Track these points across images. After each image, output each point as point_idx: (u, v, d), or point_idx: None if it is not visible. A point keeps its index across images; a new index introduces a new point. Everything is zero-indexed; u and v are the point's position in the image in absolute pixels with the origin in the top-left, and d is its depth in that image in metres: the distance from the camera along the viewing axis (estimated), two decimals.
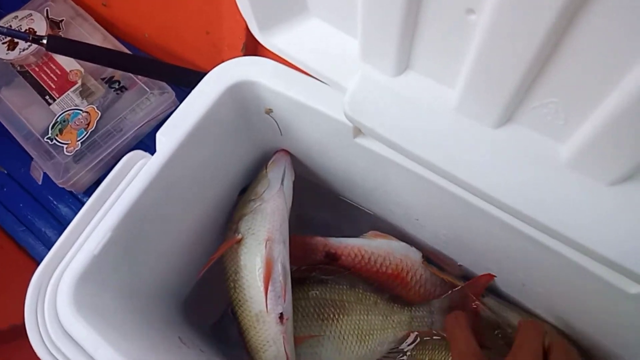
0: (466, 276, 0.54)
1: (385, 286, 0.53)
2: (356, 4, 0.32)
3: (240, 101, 0.44)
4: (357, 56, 0.37)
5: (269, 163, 0.52)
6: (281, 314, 0.46)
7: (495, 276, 0.52)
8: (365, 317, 0.51)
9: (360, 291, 0.52)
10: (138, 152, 0.41)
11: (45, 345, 0.36)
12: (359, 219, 0.58)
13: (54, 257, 0.38)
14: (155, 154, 0.41)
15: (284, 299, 0.46)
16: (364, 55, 0.36)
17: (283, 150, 0.54)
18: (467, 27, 0.29)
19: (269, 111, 0.47)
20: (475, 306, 0.51)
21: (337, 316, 0.50)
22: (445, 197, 0.42)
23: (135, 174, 0.40)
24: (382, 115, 0.37)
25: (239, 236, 0.49)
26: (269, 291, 0.46)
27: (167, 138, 0.41)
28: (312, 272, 0.53)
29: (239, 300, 0.48)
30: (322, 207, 0.60)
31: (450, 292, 0.53)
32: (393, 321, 0.51)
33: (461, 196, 0.40)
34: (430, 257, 0.54)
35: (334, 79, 0.38)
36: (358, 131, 0.42)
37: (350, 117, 0.37)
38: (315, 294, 0.51)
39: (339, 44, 0.38)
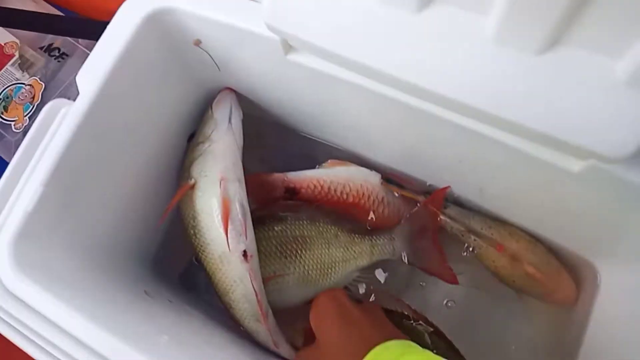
0: (429, 192, 0.53)
1: (348, 213, 0.51)
2: None
3: (163, 32, 0.41)
4: None
5: (214, 103, 0.50)
6: (244, 251, 0.45)
7: (449, 187, 0.51)
8: (327, 250, 0.50)
9: (321, 224, 0.51)
10: (60, 100, 0.39)
11: None
12: (316, 150, 0.56)
13: None
14: (77, 99, 0.38)
15: (245, 236, 0.45)
16: None
17: (227, 88, 0.51)
18: None
19: (197, 42, 0.44)
20: (440, 221, 0.50)
21: (299, 252, 0.49)
22: (397, 108, 0.39)
23: (59, 123, 0.38)
24: (307, 17, 0.33)
25: (192, 181, 0.47)
26: (229, 230, 0.45)
27: (88, 80, 0.38)
28: (273, 209, 0.51)
29: (201, 245, 0.47)
30: (280, 144, 0.58)
31: (408, 214, 0.51)
32: (354, 252, 0.51)
33: (414, 105, 0.37)
34: (390, 177, 0.53)
35: None
36: (288, 46, 0.39)
37: (272, 27, 0.34)
38: (276, 232, 0.50)
39: None
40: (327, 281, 0.50)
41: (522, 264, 0.49)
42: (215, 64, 0.47)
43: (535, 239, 0.50)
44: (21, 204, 0.36)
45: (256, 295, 0.46)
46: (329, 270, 0.50)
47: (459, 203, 0.52)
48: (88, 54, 0.72)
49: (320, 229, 0.51)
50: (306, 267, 0.50)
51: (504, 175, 0.43)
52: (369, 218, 0.52)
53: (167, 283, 0.52)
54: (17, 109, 0.72)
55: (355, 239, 0.51)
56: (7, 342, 0.35)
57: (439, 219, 0.50)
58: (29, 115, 0.72)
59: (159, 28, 0.41)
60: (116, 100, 0.40)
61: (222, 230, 0.45)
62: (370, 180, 0.52)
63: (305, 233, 0.50)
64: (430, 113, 0.38)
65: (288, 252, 0.50)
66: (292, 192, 0.51)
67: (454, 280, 0.50)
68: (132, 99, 0.42)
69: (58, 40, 0.76)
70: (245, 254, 0.45)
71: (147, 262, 0.53)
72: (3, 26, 0.72)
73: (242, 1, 0.39)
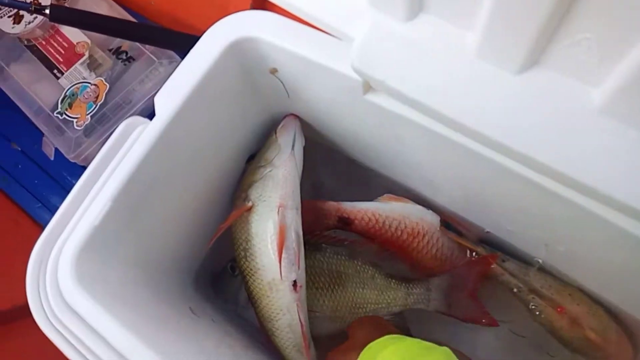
0: (487, 241, 0.51)
1: (400, 251, 0.50)
2: None
3: (242, 60, 0.41)
4: (365, 1, 0.33)
5: (279, 128, 0.50)
6: (294, 281, 0.45)
7: (498, 255, 0.49)
8: (361, 290, 0.49)
9: (359, 263, 0.50)
10: (137, 119, 0.39)
11: (49, 319, 0.35)
12: (373, 183, 0.56)
13: (54, 230, 0.37)
14: (154, 119, 0.39)
15: (297, 266, 0.45)
16: None
17: (292, 114, 0.51)
18: None
19: (273, 71, 0.44)
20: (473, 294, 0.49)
21: (332, 287, 0.49)
22: (462, 154, 0.38)
23: (134, 141, 0.38)
24: (394, 66, 0.33)
25: (250, 204, 0.47)
26: (283, 258, 0.44)
27: (166, 101, 0.39)
28: (316, 238, 0.51)
29: (251, 269, 0.47)
30: (335, 171, 0.58)
31: (450, 270, 0.50)
32: (389, 297, 0.50)
33: (480, 153, 0.37)
34: (449, 222, 0.52)
35: (340, 28, 0.35)
36: (368, 86, 0.39)
37: (359, 70, 0.34)
38: (313, 262, 0.49)
39: None
40: None
41: (582, 328, 0.47)
42: (286, 91, 0.46)
43: (595, 302, 0.48)
44: (88, 217, 0.37)
45: (302, 326, 0.45)
46: (360, 310, 0.49)
47: (519, 257, 0.50)
48: (153, 60, 0.75)
49: (358, 267, 0.50)
50: (337, 303, 0.49)
51: (571, 233, 0.41)
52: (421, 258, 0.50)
53: (210, 302, 0.52)
54: (80, 107, 0.74)
55: (392, 284, 0.50)
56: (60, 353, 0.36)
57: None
58: (91, 114, 0.73)
59: (239, 55, 0.41)
60: (189, 123, 0.40)
61: (275, 257, 0.44)
62: (427, 219, 0.51)
63: (342, 269, 0.50)
64: (508, 167, 0.37)
65: (321, 284, 0.49)
66: (345, 222, 0.50)
67: (493, 322, 0.48)
68: (204, 121, 0.42)
69: (126, 44, 0.77)
70: (295, 284, 0.45)
71: (192, 279, 0.53)
72: (77, 27, 0.74)
73: (324, 36, 0.39)
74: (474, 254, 0.51)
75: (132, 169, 0.37)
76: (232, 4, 0.69)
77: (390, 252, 0.51)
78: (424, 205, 0.52)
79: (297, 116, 0.51)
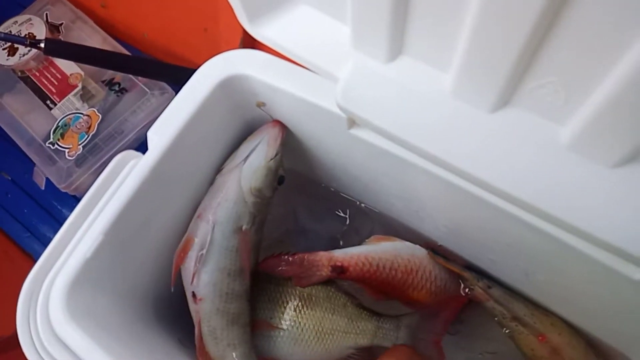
0: (472, 267, 0.52)
1: (396, 290, 0.50)
2: None
3: (232, 96, 0.43)
4: (349, 43, 0.36)
5: (251, 134, 0.48)
6: (193, 292, 0.44)
7: (466, 299, 0.50)
8: (330, 315, 0.48)
9: (332, 290, 0.50)
10: (129, 152, 0.40)
11: (39, 353, 0.35)
12: (358, 215, 0.57)
13: (45, 262, 0.38)
14: (147, 154, 0.40)
15: (191, 281, 0.43)
16: (355, 42, 0.35)
17: (275, 121, 0.48)
18: (458, 7, 0.27)
19: (261, 104, 0.45)
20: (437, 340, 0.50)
21: (300, 307, 0.48)
22: (443, 186, 0.40)
23: (126, 175, 0.39)
24: (376, 104, 0.35)
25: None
26: (184, 268, 0.44)
27: (159, 137, 0.40)
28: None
29: None
30: (319, 203, 0.59)
31: (420, 310, 0.50)
32: (357, 327, 0.49)
33: (459, 185, 0.38)
34: (435, 249, 0.53)
35: (325, 68, 0.37)
36: (352, 122, 0.41)
37: (344, 108, 0.36)
38: (284, 280, 0.49)
39: (330, 32, 0.36)
40: (320, 347, 0.48)
41: (562, 358, 0.47)
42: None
43: (575, 331, 0.49)
44: (80, 250, 0.37)
45: (199, 338, 0.44)
46: (326, 336, 0.48)
47: (500, 284, 0.52)
48: (146, 91, 0.77)
49: (330, 293, 0.50)
50: (303, 325, 0.48)
51: (553, 267, 0.42)
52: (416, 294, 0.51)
53: None
54: (72, 137, 0.75)
55: (363, 314, 0.50)
56: None
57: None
58: (83, 144, 0.74)
59: (230, 91, 0.43)
60: (180, 156, 0.41)
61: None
62: (417, 254, 0.51)
63: (313, 292, 0.49)
64: (486, 200, 0.38)
65: (289, 303, 0.49)
66: (339, 271, 0.49)
67: None
68: (194, 154, 0.43)
69: (118, 76, 0.79)
70: (194, 295, 0.44)
71: (180, 308, 0.54)
72: (71, 60, 0.75)
73: (310, 74, 0.41)
74: (466, 289, 0.52)
75: (124, 202, 0.38)
76: (223, 38, 0.71)
77: (385, 295, 0.51)
78: (409, 236, 0.53)
79: (279, 124, 0.47)
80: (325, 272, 0.48)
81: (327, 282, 0.50)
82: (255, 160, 0.45)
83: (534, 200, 0.31)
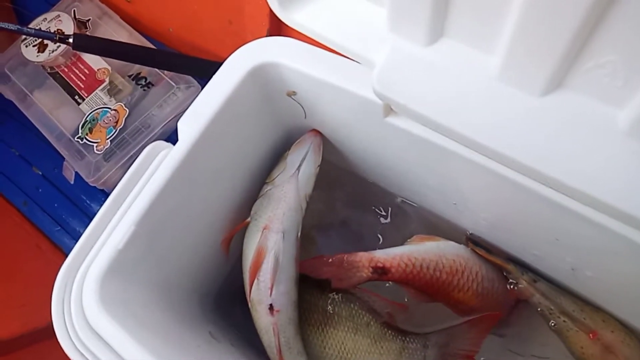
0: (515, 260, 0.50)
1: (440, 292, 0.48)
2: None
3: (263, 84, 0.42)
4: (386, 26, 0.34)
5: (294, 144, 0.49)
6: (271, 305, 0.44)
7: (501, 314, 0.48)
8: (352, 335, 0.47)
9: (355, 308, 0.48)
10: (160, 143, 0.40)
11: (74, 343, 0.35)
12: (394, 207, 0.55)
13: (78, 254, 0.37)
14: (177, 144, 0.39)
15: (270, 292, 0.44)
16: (393, 25, 0.33)
17: (314, 130, 0.50)
18: None
19: (291, 93, 0.44)
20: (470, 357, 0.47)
21: (323, 325, 0.47)
22: (486, 176, 0.38)
23: (157, 166, 0.39)
24: (416, 90, 0.34)
25: (248, 219, 0.47)
26: (258, 281, 0.44)
27: (189, 127, 0.39)
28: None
29: (245, 284, 0.46)
30: (354, 195, 0.57)
31: (448, 326, 0.48)
32: (381, 347, 0.47)
33: (505, 175, 0.36)
34: (476, 241, 0.50)
35: (361, 53, 0.35)
36: (389, 109, 0.39)
37: (380, 94, 0.35)
38: (310, 297, 0.48)
39: (365, 14, 0.35)
40: None
41: (616, 357, 0.45)
42: (304, 112, 0.47)
43: (629, 329, 0.46)
44: (112, 241, 0.37)
45: (279, 351, 0.44)
46: (350, 356, 0.47)
47: (545, 278, 0.49)
48: (172, 85, 0.77)
49: (353, 312, 0.48)
50: (326, 343, 0.47)
51: (601, 260, 0.40)
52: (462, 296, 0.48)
53: (230, 325, 0.51)
54: (100, 131, 0.75)
55: (387, 334, 0.48)
56: None
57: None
58: (110, 138, 0.75)
59: (260, 80, 0.42)
60: (211, 146, 0.41)
61: (248, 279, 0.44)
62: (462, 254, 0.48)
63: (336, 310, 0.48)
64: (532, 189, 0.36)
65: (312, 321, 0.47)
66: (381, 272, 0.47)
67: None
68: (224, 144, 0.42)
69: (145, 70, 0.79)
70: (271, 307, 0.44)
71: (212, 302, 0.53)
72: (98, 54, 0.76)
73: (342, 60, 0.40)
74: (511, 286, 0.50)
75: (156, 193, 0.38)
76: (248, 30, 0.70)
77: (429, 297, 0.49)
78: (445, 229, 0.51)
79: (318, 132, 0.49)
80: (366, 273, 0.47)
81: (350, 299, 0.49)
82: (307, 169, 0.47)
83: (589, 189, 0.29)
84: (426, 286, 0.47)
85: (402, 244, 0.49)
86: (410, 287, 0.47)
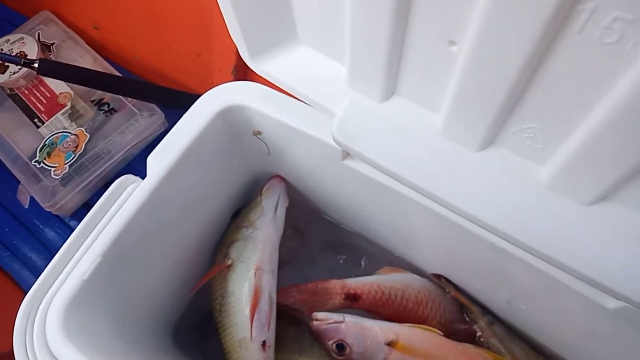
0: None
1: (407, 321, 0.50)
2: (344, 34, 0.34)
3: (231, 125, 0.45)
4: (345, 82, 0.38)
5: (264, 189, 0.53)
6: (264, 341, 0.47)
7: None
8: (297, 356, 0.50)
9: (299, 331, 0.51)
10: (129, 177, 0.42)
11: None
12: (353, 245, 0.59)
13: (43, 283, 0.38)
14: (146, 178, 0.41)
15: (267, 328, 0.47)
16: (351, 82, 0.37)
17: (278, 176, 0.54)
18: (449, 56, 0.30)
19: (257, 133, 0.47)
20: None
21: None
22: (431, 217, 0.42)
23: (125, 199, 0.40)
24: (370, 139, 0.38)
25: (229, 262, 0.49)
26: (254, 319, 0.46)
27: (158, 162, 0.41)
28: None
29: (224, 325, 0.48)
30: (316, 232, 0.60)
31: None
32: None
33: (447, 216, 0.41)
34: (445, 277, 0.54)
35: (322, 104, 0.39)
36: (346, 154, 0.43)
37: (339, 141, 0.38)
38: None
39: (328, 70, 0.39)
40: None
41: None
42: (268, 149, 0.50)
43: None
44: (78, 271, 0.38)
45: None
46: None
47: (484, 308, 0.54)
48: (135, 112, 0.78)
49: (297, 335, 0.51)
50: None
51: (533, 295, 0.45)
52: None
53: (188, 355, 0.53)
54: (59, 156, 0.75)
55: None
56: None
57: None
58: (69, 163, 0.74)
59: (228, 120, 0.45)
60: (178, 182, 0.43)
61: (248, 318, 0.46)
62: (427, 287, 0.52)
63: (282, 333, 0.50)
64: (469, 230, 0.41)
65: None
66: (352, 299, 0.50)
67: None
68: (192, 180, 0.45)
69: (108, 96, 0.80)
70: (264, 343, 0.47)
71: (171, 332, 0.54)
72: (63, 80, 0.76)
73: (304, 106, 0.44)
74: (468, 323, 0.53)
75: (123, 225, 0.39)
76: (215, 64, 0.73)
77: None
78: (397, 264, 0.55)
79: (282, 178, 0.54)
80: (338, 299, 0.50)
81: (294, 323, 0.51)
82: (281, 211, 0.52)
83: (515, 233, 0.34)
84: (394, 314, 0.50)
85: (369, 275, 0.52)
86: (379, 314, 0.50)
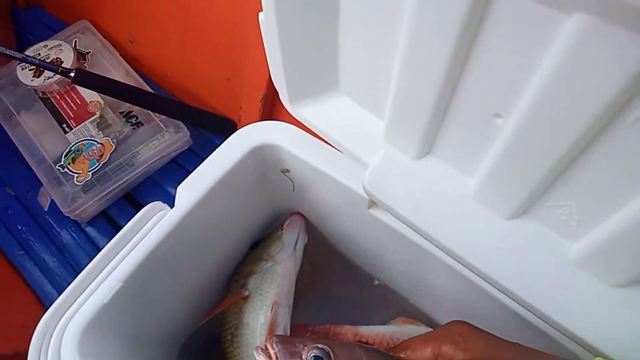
0: None
1: None
2: (387, 91, 0.34)
3: (261, 161, 0.46)
4: (381, 136, 0.39)
5: (285, 224, 0.53)
6: None
7: None
8: None
9: None
10: (157, 204, 0.42)
11: None
12: (368, 287, 0.58)
13: (64, 302, 0.38)
14: (174, 208, 0.42)
15: None
16: (388, 137, 0.38)
17: (298, 213, 0.55)
18: (493, 128, 0.31)
19: (285, 171, 0.48)
20: None
21: None
22: (449, 274, 0.42)
23: (152, 226, 0.41)
24: (401, 194, 0.38)
25: (246, 293, 0.49)
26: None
27: (188, 193, 0.42)
28: None
29: (235, 355, 0.48)
30: (328, 266, 0.60)
31: None
32: None
33: (465, 275, 0.41)
34: None
35: (356, 153, 0.40)
36: (372, 203, 0.43)
37: (369, 192, 0.39)
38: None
39: (364, 122, 0.39)
40: None
41: None
42: (293, 186, 0.50)
43: None
44: (98, 294, 0.39)
45: None
46: None
47: None
48: (161, 127, 0.79)
49: None
50: None
51: None
52: None
53: None
54: (84, 163, 0.76)
55: None
56: None
57: None
58: (92, 171, 0.75)
59: (258, 158, 0.45)
60: (204, 213, 0.43)
61: None
62: None
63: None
64: (488, 293, 0.41)
65: None
66: None
67: None
68: (217, 212, 0.45)
69: (136, 109, 0.81)
70: None
71: (177, 353, 0.54)
72: (96, 90, 0.78)
73: (335, 152, 0.44)
74: None
75: (148, 252, 0.40)
76: (245, 91, 0.74)
77: None
78: (409, 309, 0.55)
79: (302, 215, 0.54)
80: None
81: None
82: (300, 247, 0.52)
83: (537, 304, 0.34)
84: None
85: (382, 323, 0.51)
86: None
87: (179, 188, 0.42)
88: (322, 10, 0.33)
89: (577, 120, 0.25)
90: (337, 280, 0.60)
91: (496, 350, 0.30)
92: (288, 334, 0.48)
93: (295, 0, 0.32)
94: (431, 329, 0.52)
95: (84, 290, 0.39)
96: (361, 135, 0.39)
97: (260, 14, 0.35)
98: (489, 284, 0.37)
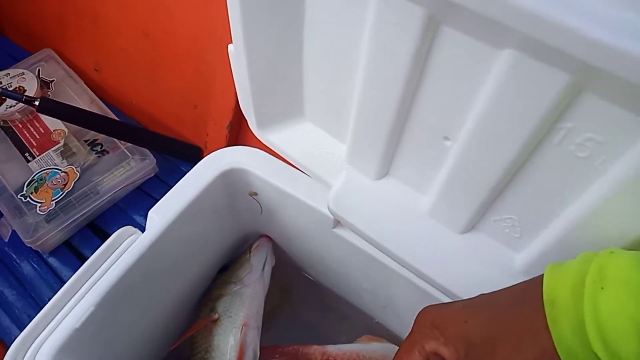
0: None
1: None
2: (348, 118, 0.37)
3: (230, 185, 0.48)
4: (344, 158, 0.42)
5: (253, 247, 0.55)
6: None
7: None
8: None
9: None
10: (129, 228, 0.43)
11: None
12: (333, 306, 0.60)
13: (33, 330, 0.39)
14: (146, 232, 0.43)
15: None
16: (350, 159, 0.41)
17: (266, 236, 0.57)
18: (443, 149, 0.34)
19: (253, 194, 0.50)
20: None
21: None
22: (409, 288, 0.45)
23: (124, 249, 0.42)
24: (362, 213, 0.41)
25: (216, 316, 0.50)
26: None
27: (159, 217, 0.43)
28: None
29: None
30: (293, 287, 0.62)
31: None
32: None
33: (424, 288, 0.43)
34: None
35: (320, 175, 0.42)
36: (337, 222, 0.46)
37: (334, 212, 0.41)
38: None
39: (328, 146, 0.42)
40: None
41: None
42: (261, 208, 0.52)
43: None
44: (70, 319, 0.39)
45: None
46: None
47: None
48: (127, 155, 0.80)
49: None
50: None
51: None
52: None
53: None
54: (47, 192, 0.76)
55: None
56: None
57: None
58: (56, 200, 0.75)
59: (227, 181, 0.47)
60: (177, 236, 0.45)
61: None
62: None
63: None
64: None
65: None
66: None
67: None
68: (187, 236, 0.47)
69: (101, 136, 0.82)
70: None
71: None
72: (60, 119, 0.78)
73: (301, 175, 0.47)
74: None
75: (120, 276, 0.41)
76: (211, 118, 0.76)
77: None
78: (374, 327, 0.57)
79: (270, 238, 0.56)
80: None
81: None
82: (268, 269, 0.53)
83: None
84: None
85: (348, 341, 0.53)
86: None
87: (150, 212, 0.43)
88: (288, 44, 0.36)
89: (513, 142, 0.29)
90: (305, 301, 0.62)
91: (469, 325, 0.29)
92: (258, 356, 0.49)
93: (263, 34, 0.35)
94: (396, 346, 0.55)
95: (55, 316, 0.39)
96: (325, 158, 0.42)
97: (230, 46, 0.38)
98: (446, 295, 0.40)
